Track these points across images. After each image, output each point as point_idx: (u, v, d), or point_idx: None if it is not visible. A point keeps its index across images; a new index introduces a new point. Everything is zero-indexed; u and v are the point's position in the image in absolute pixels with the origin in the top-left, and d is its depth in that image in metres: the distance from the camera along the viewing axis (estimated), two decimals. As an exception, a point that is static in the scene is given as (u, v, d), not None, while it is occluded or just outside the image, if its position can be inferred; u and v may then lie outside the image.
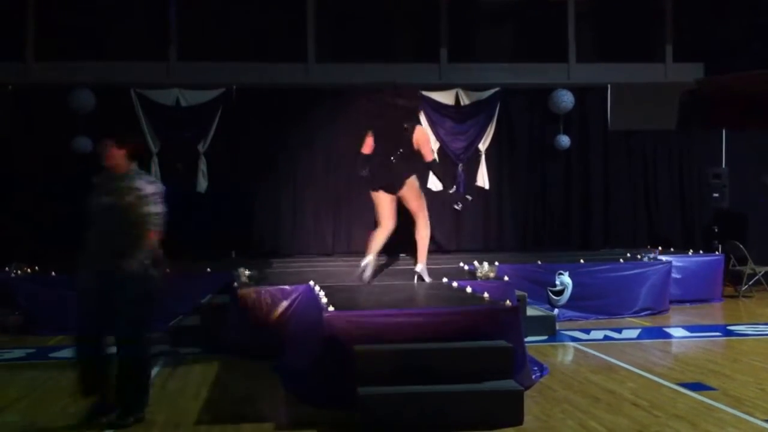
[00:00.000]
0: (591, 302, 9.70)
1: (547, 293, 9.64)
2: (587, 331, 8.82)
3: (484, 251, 11.98)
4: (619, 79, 12.76)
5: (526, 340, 6.51)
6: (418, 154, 8.35)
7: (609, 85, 12.75)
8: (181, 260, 11.02)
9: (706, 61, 12.85)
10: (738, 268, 11.48)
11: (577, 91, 12.52)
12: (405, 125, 8.23)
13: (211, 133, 11.80)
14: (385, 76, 12.32)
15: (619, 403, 5.73)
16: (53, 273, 9.52)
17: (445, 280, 8.12)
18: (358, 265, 9.76)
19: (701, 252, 11.45)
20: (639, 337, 8.53)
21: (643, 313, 9.81)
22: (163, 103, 11.76)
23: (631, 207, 12.94)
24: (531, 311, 8.90)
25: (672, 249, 11.99)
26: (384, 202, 8.42)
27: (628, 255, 10.73)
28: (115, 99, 11.64)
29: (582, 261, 10.09)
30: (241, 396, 6.19)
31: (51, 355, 8.00)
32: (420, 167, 8.53)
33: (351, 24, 12.76)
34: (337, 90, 12.24)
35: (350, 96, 12.17)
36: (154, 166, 11.69)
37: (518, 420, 5.19)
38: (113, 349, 5.34)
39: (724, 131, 12.88)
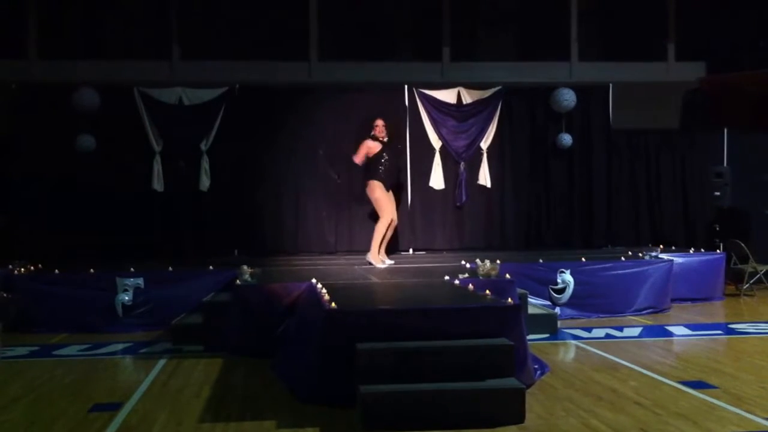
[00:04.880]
0: (593, 300, 9.71)
1: (549, 291, 9.65)
2: (589, 330, 8.83)
3: (486, 249, 12.00)
4: (622, 77, 12.77)
5: (527, 338, 6.51)
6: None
7: (611, 84, 12.76)
8: (184, 258, 11.14)
9: (709, 59, 12.85)
10: (739, 266, 11.48)
11: (579, 89, 12.52)
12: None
13: (214, 131, 11.83)
14: (387, 75, 12.40)
15: (621, 401, 5.73)
16: (56, 271, 9.54)
17: (447, 278, 8.13)
18: (360, 263, 9.85)
19: (703, 250, 11.45)
20: (641, 335, 8.54)
21: (644, 312, 9.81)
22: (166, 101, 11.78)
23: (632, 205, 12.94)
24: (532, 309, 8.92)
25: (673, 247, 12.00)
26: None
27: (630, 253, 10.74)
28: (119, 98, 11.67)
29: (584, 259, 10.10)
30: (243, 394, 6.20)
31: (54, 352, 8.02)
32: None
33: (353, 23, 12.78)
34: (340, 89, 12.26)
35: (352, 95, 12.22)
36: (157, 165, 11.73)
37: (520, 418, 5.19)
38: None
39: (725, 130, 12.88)
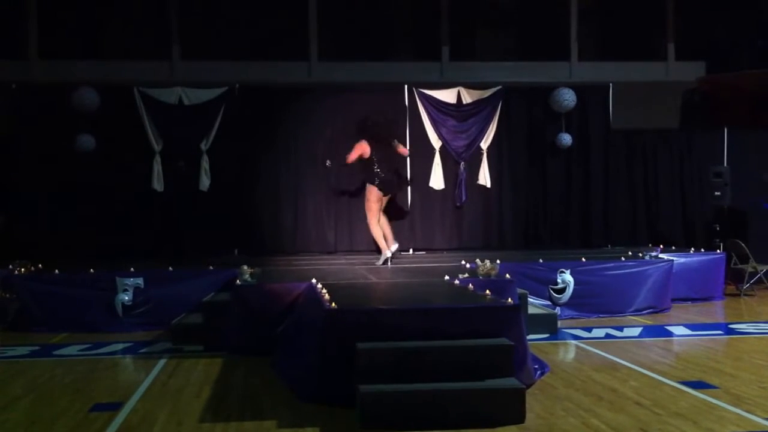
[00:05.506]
0: (592, 300, 9.70)
1: (549, 291, 9.65)
2: (589, 329, 8.83)
3: (486, 249, 12.00)
4: (621, 77, 12.78)
5: (527, 338, 6.52)
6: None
7: (611, 84, 12.76)
8: (184, 258, 11.13)
9: (708, 59, 12.85)
10: (739, 266, 11.48)
11: (579, 89, 12.52)
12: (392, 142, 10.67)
13: (214, 131, 11.83)
14: (387, 74, 12.40)
15: (621, 401, 5.74)
16: (56, 271, 9.54)
17: (446, 277, 8.13)
18: (360, 263, 9.84)
19: (703, 250, 11.45)
20: (640, 335, 8.54)
21: (644, 312, 9.81)
22: (166, 101, 11.78)
23: (632, 205, 12.94)
24: (532, 309, 8.91)
25: (673, 247, 12.00)
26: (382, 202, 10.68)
27: (630, 253, 10.73)
28: (118, 97, 11.67)
29: (583, 259, 10.10)
30: (244, 394, 6.20)
31: (54, 352, 8.02)
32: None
33: (353, 22, 12.78)
34: (339, 88, 12.26)
35: (352, 94, 12.22)
36: (157, 165, 11.73)
37: (520, 418, 5.19)
38: None
39: (725, 129, 12.88)
